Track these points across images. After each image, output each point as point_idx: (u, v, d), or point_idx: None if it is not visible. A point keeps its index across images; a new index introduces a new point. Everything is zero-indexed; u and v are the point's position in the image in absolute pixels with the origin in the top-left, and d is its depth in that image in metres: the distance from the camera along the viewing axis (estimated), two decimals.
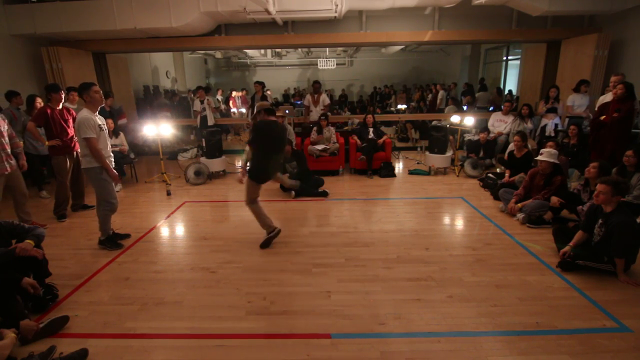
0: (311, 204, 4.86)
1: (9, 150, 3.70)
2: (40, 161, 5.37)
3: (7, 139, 3.71)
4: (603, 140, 4.67)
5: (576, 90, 5.87)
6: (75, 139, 4.42)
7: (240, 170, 3.51)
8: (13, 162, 3.75)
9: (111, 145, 5.44)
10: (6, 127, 3.75)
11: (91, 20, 6.03)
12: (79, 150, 4.49)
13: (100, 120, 3.43)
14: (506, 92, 10.81)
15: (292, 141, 5.53)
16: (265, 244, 3.55)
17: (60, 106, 4.30)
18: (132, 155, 6.17)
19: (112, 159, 3.58)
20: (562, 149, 5.17)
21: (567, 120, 6.06)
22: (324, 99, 7.16)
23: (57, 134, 4.21)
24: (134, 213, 4.61)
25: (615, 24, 6.35)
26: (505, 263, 3.17)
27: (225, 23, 6.99)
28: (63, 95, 4.31)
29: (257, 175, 3.47)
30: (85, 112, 3.29)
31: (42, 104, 4.90)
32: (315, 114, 7.10)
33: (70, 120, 4.39)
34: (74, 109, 4.63)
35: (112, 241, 3.60)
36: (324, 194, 5.06)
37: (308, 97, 7.30)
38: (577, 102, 5.85)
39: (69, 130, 4.32)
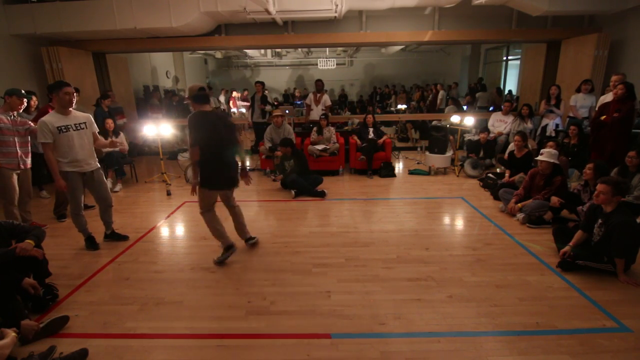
0: (311, 204, 4.86)
1: (24, 149, 3.79)
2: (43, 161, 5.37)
3: (25, 139, 3.80)
4: (603, 140, 4.67)
5: (579, 90, 5.87)
6: None
7: (192, 182, 3.12)
8: (28, 161, 3.83)
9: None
10: (28, 128, 3.82)
11: (91, 20, 6.03)
12: None
13: (71, 120, 3.30)
14: (506, 92, 10.82)
15: (292, 141, 5.51)
16: (221, 261, 3.23)
17: None
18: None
19: (91, 161, 3.44)
20: (563, 149, 5.17)
21: (567, 120, 6.06)
22: (326, 99, 7.14)
23: None
24: (134, 213, 4.61)
25: (615, 24, 6.35)
26: (505, 263, 3.17)
27: (225, 23, 6.99)
28: None
29: (206, 180, 3.05)
30: (47, 116, 3.22)
31: (37, 102, 4.91)
32: (315, 113, 7.10)
33: None
34: (73, 109, 4.63)
35: (91, 241, 3.60)
36: (322, 194, 5.05)
37: (310, 95, 7.30)
38: (579, 102, 5.85)
39: None
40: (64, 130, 3.25)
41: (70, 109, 3.34)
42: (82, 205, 3.53)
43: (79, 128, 3.34)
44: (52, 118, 3.23)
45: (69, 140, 3.27)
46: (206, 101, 2.99)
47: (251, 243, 3.56)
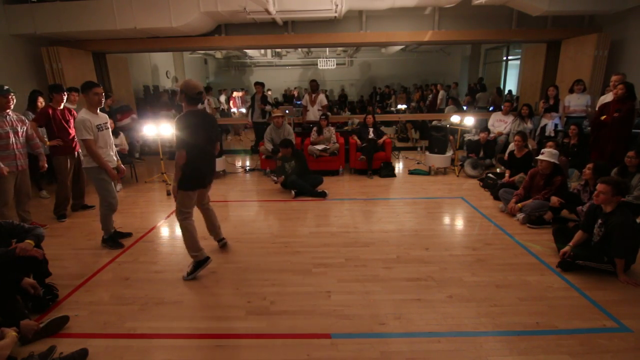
0: (311, 204, 4.86)
1: (22, 150, 3.78)
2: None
3: (21, 139, 3.79)
4: (603, 140, 4.67)
5: (571, 91, 5.91)
6: (76, 140, 4.43)
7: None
8: (24, 162, 3.81)
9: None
10: (24, 127, 3.81)
11: (91, 20, 6.03)
12: (80, 150, 4.51)
13: (101, 119, 3.46)
14: (505, 92, 10.81)
15: (292, 142, 5.51)
16: (191, 274, 2.99)
17: (62, 106, 4.30)
18: (136, 155, 6.19)
19: (115, 158, 3.63)
20: (562, 149, 5.17)
21: (565, 119, 6.07)
22: (322, 99, 7.16)
23: (58, 134, 4.21)
24: (134, 213, 4.60)
25: (615, 24, 6.35)
26: (505, 263, 3.17)
27: (225, 23, 6.99)
28: (65, 96, 4.31)
29: (190, 181, 2.93)
30: (83, 113, 3.34)
31: (44, 103, 4.92)
32: (311, 113, 7.11)
33: (72, 121, 4.40)
34: (74, 109, 4.64)
35: (113, 240, 3.63)
36: (323, 195, 5.05)
37: (306, 96, 7.32)
38: (572, 102, 5.89)
39: (70, 131, 4.32)
40: (101, 128, 3.42)
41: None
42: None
43: (107, 127, 3.52)
44: (89, 116, 3.32)
45: (104, 138, 3.44)
46: (200, 102, 3.06)
47: (222, 244, 3.52)
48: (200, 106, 3.03)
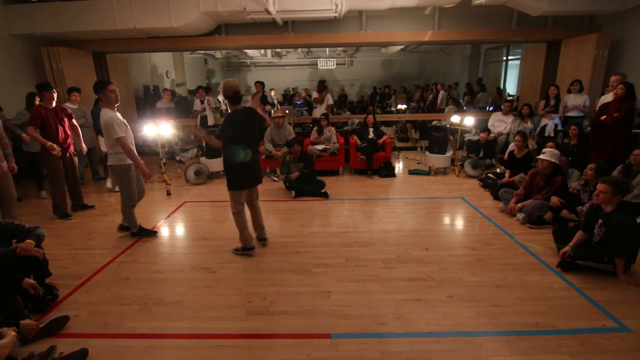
0: (311, 204, 4.86)
1: (0, 152, 3.59)
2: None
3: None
4: (603, 140, 4.68)
5: (569, 91, 5.94)
6: (70, 140, 4.39)
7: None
8: (4, 164, 3.60)
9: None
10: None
11: (91, 20, 6.04)
12: (72, 151, 4.46)
13: (121, 116, 3.49)
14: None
15: (300, 141, 5.49)
16: (239, 251, 3.39)
17: (54, 104, 4.23)
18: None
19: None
20: (562, 149, 5.17)
21: (563, 119, 6.08)
22: (329, 98, 7.28)
23: (51, 132, 4.15)
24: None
25: (615, 24, 6.35)
26: (505, 263, 3.17)
27: (225, 23, 7.00)
28: (55, 94, 4.22)
29: (236, 181, 3.22)
30: (108, 112, 3.34)
31: (39, 102, 4.89)
32: (318, 111, 7.20)
33: (65, 120, 4.35)
34: (74, 109, 4.61)
35: (144, 231, 3.77)
36: (325, 195, 5.06)
37: (314, 93, 7.42)
38: (570, 102, 5.91)
39: (63, 129, 4.28)
40: (125, 125, 3.46)
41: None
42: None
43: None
44: (113, 114, 3.35)
45: (128, 135, 3.47)
46: (240, 102, 3.21)
47: (263, 243, 3.61)
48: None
